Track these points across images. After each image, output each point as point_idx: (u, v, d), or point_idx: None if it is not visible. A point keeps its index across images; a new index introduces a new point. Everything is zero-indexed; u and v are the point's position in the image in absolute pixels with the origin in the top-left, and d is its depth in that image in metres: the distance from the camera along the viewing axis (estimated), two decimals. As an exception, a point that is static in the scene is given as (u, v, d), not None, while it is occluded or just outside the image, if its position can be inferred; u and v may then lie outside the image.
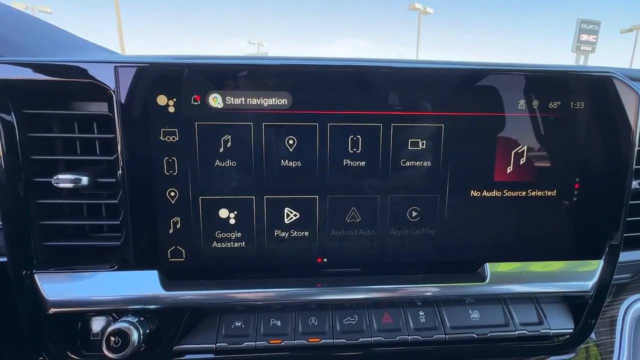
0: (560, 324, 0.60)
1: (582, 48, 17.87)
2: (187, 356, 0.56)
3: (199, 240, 0.53)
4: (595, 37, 18.11)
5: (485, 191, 0.55)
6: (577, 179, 0.56)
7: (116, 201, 0.52)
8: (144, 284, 0.53)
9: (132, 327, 0.50)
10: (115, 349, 0.49)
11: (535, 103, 0.53)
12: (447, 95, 0.52)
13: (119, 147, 0.49)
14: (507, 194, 0.55)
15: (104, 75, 0.48)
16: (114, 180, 0.52)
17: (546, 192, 0.56)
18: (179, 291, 0.53)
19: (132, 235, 0.52)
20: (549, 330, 0.59)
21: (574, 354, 0.61)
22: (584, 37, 17.90)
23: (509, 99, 0.53)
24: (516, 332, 0.59)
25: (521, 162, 0.55)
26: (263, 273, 0.56)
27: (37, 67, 0.48)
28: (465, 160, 0.54)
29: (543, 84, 0.53)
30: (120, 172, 0.50)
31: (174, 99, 0.49)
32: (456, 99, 0.52)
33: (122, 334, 0.49)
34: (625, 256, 0.68)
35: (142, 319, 0.52)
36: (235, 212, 0.53)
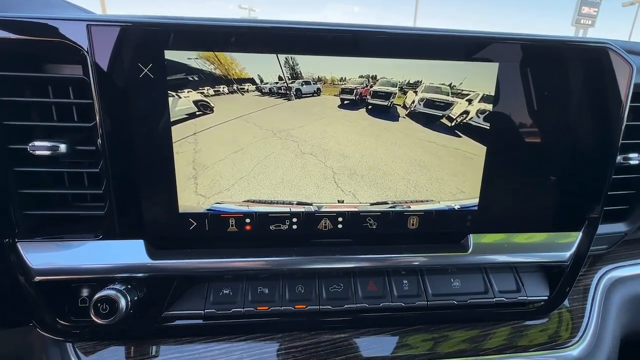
0: (536, 291, 0.63)
1: (582, 22, 17.43)
2: (176, 322, 0.57)
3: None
4: (596, 9, 17.64)
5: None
6: (563, 152, 0.56)
7: (97, 170, 0.50)
8: (130, 253, 0.53)
9: (119, 295, 0.51)
10: (104, 314, 0.50)
11: (526, 72, 0.52)
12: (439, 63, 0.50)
13: (97, 114, 0.47)
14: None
15: (76, 35, 0.45)
16: (94, 148, 0.50)
17: (531, 164, 0.56)
18: (166, 260, 0.54)
19: (115, 205, 0.51)
20: (526, 298, 0.62)
21: (547, 319, 0.65)
22: (585, 9, 17.42)
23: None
24: (494, 299, 0.61)
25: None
26: (251, 242, 0.56)
27: (1, 24, 0.45)
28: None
29: (536, 52, 0.51)
30: (99, 140, 0.48)
31: (152, 63, 0.47)
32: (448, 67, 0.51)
33: (110, 301, 0.50)
34: (602, 229, 0.70)
35: (129, 286, 0.53)
36: (221, 182, 0.52)
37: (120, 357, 0.57)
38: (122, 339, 0.58)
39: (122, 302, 0.50)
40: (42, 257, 0.52)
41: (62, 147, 0.50)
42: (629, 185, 0.69)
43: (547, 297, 0.63)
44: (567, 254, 0.61)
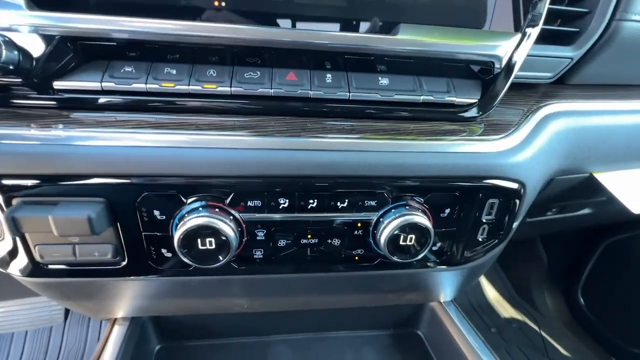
0: (467, 94, 0.60)
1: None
2: (69, 95, 0.52)
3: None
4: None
5: None
6: None
7: None
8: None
9: None
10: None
11: None
12: None
13: None
14: None
15: None
16: None
17: None
18: (48, 13, 0.47)
19: None
20: (455, 98, 0.59)
21: (475, 124, 0.62)
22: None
23: None
24: (422, 97, 0.58)
25: None
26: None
27: None
28: None
29: None
30: None
31: None
32: None
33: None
34: (546, 50, 0.67)
35: (6, 39, 0.47)
36: None
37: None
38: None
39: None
40: None
41: None
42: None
43: (477, 100, 0.60)
44: (503, 53, 0.57)
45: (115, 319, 0.72)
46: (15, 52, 0.47)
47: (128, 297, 0.64)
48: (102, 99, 0.53)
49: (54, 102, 0.52)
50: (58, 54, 0.50)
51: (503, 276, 2.13)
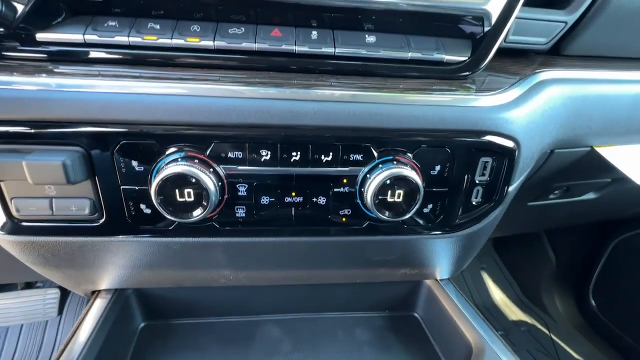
0: (456, 52, 0.58)
1: None
2: (52, 48, 0.52)
3: None
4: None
5: None
6: None
7: None
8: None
9: None
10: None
11: None
12: None
13: None
14: None
15: None
16: None
17: None
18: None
19: None
20: (444, 56, 0.57)
21: (466, 83, 0.60)
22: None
23: None
24: (409, 54, 0.57)
25: None
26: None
27: None
28: None
29: None
30: None
31: None
32: None
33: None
34: (539, 14, 0.66)
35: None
36: None
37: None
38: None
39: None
40: None
41: None
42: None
43: (467, 57, 0.58)
44: (491, 8, 0.55)
45: (99, 292, 0.70)
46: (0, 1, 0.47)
47: (108, 264, 0.62)
48: (84, 52, 0.52)
49: (37, 55, 0.52)
50: (43, 5, 0.50)
51: (509, 277, 2.05)
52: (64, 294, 1.54)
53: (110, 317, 0.66)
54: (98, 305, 0.66)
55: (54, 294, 1.48)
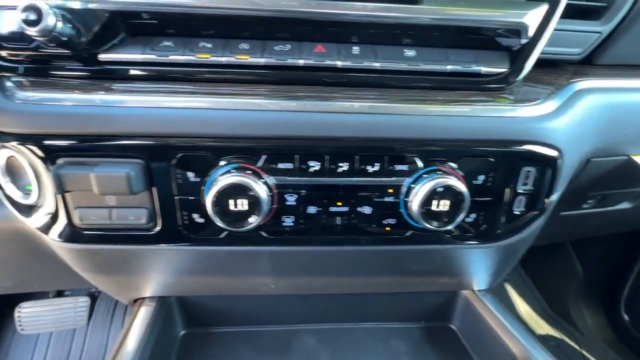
0: (494, 64, 0.60)
1: None
2: (112, 67, 0.55)
3: None
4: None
5: None
6: None
7: None
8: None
9: (50, 10, 0.48)
10: (30, 22, 0.48)
11: None
12: None
13: None
14: None
15: None
16: None
17: None
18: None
19: None
20: (482, 67, 0.59)
21: (504, 94, 0.61)
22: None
23: None
24: (448, 66, 0.58)
25: None
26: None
27: None
28: None
29: None
30: None
31: None
32: None
33: (36, 10, 0.48)
34: (573, 25, 0.66)
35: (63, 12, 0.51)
36: None
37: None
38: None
39: (49, 16, 0.48)
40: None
41: None
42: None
43: (505, 70, 0.59)
44: (529, 21, 0.57)
45: (143, 300, 0.72)
46: (69, 26, 0.51)
47: (156, 272, 0.65)
48: (142, 70, 0.56)
49: (97, 74, 0.56)
50: (107, 29, 0.54)
51: (534, 290, 2.00)
52: (92, 302, 1.57)
53: (156, 324, 0.68)
54: (143, 313, 0.68)
55: (84, 302, 1.52)
